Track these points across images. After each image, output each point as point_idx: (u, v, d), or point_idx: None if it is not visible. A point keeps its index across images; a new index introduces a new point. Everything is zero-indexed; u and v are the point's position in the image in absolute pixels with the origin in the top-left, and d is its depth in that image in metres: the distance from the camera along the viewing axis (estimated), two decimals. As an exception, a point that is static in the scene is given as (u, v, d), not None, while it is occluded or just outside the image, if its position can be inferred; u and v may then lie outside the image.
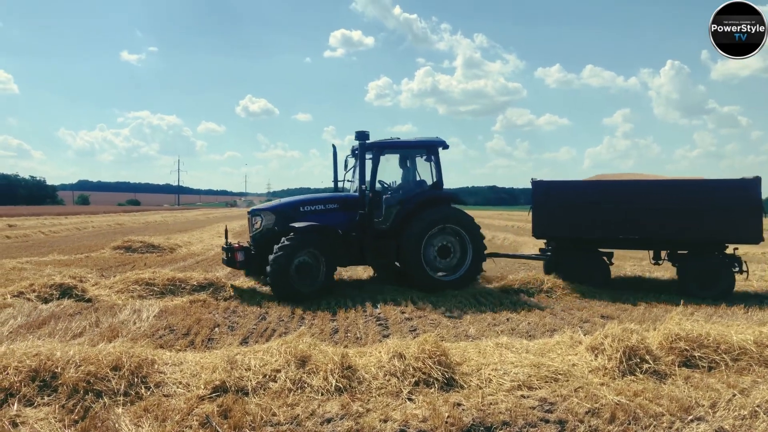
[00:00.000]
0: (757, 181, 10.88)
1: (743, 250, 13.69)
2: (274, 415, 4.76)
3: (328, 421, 4.71)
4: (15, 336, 7.34)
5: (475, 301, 10.54)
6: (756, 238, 10.98)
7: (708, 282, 11.21)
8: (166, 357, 6.00)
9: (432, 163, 12.13)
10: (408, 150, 12.39)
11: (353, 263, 12.08)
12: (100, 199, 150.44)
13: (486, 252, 12.12)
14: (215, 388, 5.20)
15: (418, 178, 12.38)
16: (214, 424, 4.51)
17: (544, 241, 13.23)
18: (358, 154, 11.73)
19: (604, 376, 5.71)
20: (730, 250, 11.54)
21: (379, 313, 9.35)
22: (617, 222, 11.71)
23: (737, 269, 11.28)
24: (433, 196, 11.89)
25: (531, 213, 12.46)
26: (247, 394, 5.15)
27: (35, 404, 4.91)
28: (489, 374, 5.63)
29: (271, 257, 10.42)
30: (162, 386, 5.30)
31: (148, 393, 5.14)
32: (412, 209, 11.64)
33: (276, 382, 5.34)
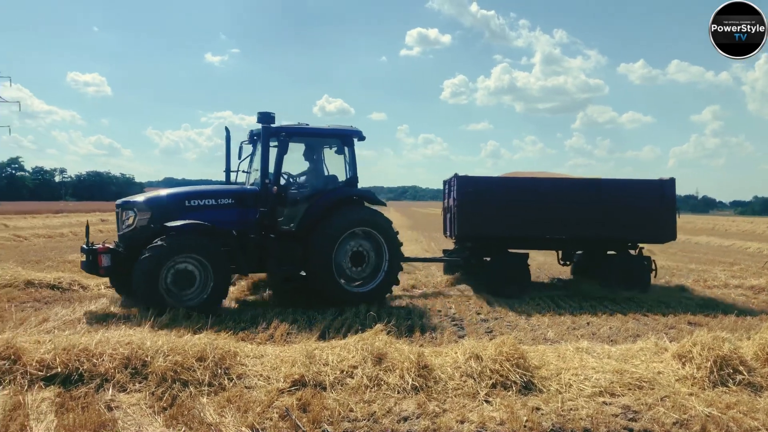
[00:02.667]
0: (671, 182, 11.47)
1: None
2: (351, 410, 4.82)
3: (405, 419, 4.72)
4: (109, 324, 7.76)
5: (553, 304, 10.30)
6: (670, 236, 11.59)
7: (625, 280, 11.19)
8: (248, 350, 6.19)
9: (346, 156, 10.39)
10: (320, 139, 10.61)
11: (253, 270, 10.03)
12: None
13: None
14: (294, 382, 5.31)
15: (326, 173, 10.65)
16: (294, 417, 4.61)
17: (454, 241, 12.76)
18: (261, 140, 9.72)
19: (692, 385, 5.43)
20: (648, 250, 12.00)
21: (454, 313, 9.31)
22: (545, 221, 11.28)
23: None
24: (349, 195, 10.18)
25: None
26: (324, 388, 5.23)
27: (128, 390, 5.19)
28: (569, 379, 5.47)
29: (137, 262, 8.49)
30: (244, 378, 5.47)
31: (231, 384, 5.32)
32: (327, 208, 9.82)
33: (353, 378, 5.41)
